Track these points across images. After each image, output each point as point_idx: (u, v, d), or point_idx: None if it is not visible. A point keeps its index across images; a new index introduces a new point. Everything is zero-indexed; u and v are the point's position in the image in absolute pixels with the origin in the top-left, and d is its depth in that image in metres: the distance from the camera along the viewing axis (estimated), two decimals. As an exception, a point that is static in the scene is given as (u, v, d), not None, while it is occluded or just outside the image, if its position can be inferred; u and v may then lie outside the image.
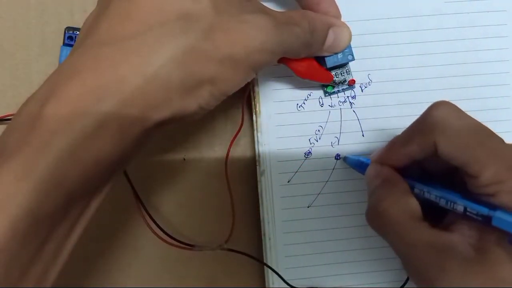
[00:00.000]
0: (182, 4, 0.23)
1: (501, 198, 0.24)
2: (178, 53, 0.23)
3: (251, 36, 0.25)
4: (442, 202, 0.26)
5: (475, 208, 0.24)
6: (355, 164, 0.33)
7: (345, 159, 0.34)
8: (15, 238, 0.20)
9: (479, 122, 0.26)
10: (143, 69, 0.22)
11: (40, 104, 0.21)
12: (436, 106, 0.26)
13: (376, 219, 0.28)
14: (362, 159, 0.32)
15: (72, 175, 0.21)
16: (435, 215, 0.27)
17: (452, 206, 0.26)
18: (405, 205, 0.27)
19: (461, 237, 0.25)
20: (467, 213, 0.25)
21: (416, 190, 0.28)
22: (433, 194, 0.27)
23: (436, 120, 0.26)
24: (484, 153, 0.24)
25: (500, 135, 0.26)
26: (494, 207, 0.24)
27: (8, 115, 0.35)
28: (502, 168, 0.24)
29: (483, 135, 0.25)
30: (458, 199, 0.25)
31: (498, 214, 0.23)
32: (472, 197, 0.25)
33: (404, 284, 0.34)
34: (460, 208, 0.25)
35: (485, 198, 0.25)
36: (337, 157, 0.35)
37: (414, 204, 0.27)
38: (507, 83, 0.35)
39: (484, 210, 0.24)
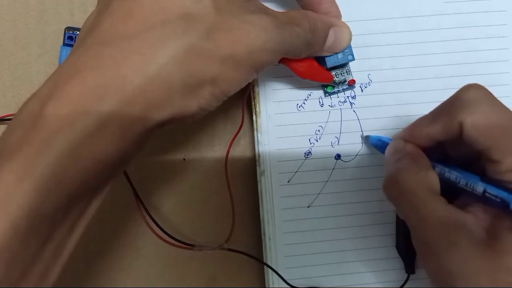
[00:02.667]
0: (183, 3, 0.23)
1: None
2: (179, 52, 0.23)
3: (252, 35, 0.25)
4: (462, 183, 0.26)
5: (494, 191, 0.25)
6: (378, 143, 0.33)
7: (367, 138, 0.34)
8: (15, 238, 0.20)
9: (509, 109, 0.26)
10: (145, 69, 0.22)
11: (41, 103, 0.21)
12: (468, 87, 0.26)
13: (393, 187, 0.28)
14: (384, 138, 0.32)
15: (73, 174, 0.21)
16: (452, 196, 0.27)
17: (471, 187, 0.26)
18: (424, 176, 0.27)
19: (475, 218, 0.26)
20: (486, 194, 0.25)
21: (436, 169, 0.28)
22: (454, 174, 0.27)
23: (466, 101, 0.26)
24: (510, 140, 0.24)
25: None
26: None
27: (8, 115, 0.35)
28: None
29: (511, 123, 0.25)
30: (478, 181, 0.26)
31: None
32: (490, 182, 0.25)
33: (404, 284, 0.34)
34: (479, 189, 0.25)
35: (504, 184, 0.25)
36: (337, 157, 0.35)
37: (433, 178, 0.27)
38: (507, 83, 0.35)
39: (504, 194, 0.24)
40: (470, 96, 0.26)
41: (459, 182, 0.26)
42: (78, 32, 0.35)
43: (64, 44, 0.35)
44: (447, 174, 0.27)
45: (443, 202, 0.26)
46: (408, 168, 0.27)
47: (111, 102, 0.22)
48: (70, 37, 0.35)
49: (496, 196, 0.24)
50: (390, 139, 0.31)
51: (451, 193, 0.27)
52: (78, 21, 0.36)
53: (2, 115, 0.35)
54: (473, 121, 0.25)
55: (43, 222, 0.21)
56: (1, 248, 0.19)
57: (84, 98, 0.21)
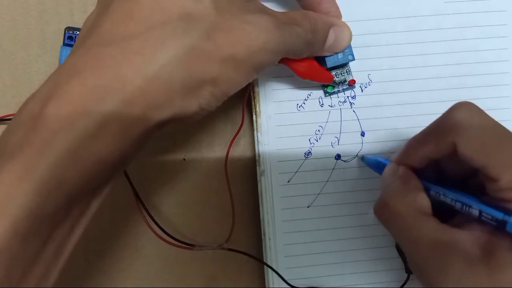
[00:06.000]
0: (183, 4, 0.23)
1: None
2: (179, 53, 0.23)
3: (253, 36, 0.24)
4: (457, 206, 0.26)
5: (490, 213, 0.24)
6: (373, 164, 0.33)
7: (362, 158, 0.34)
8: (16, 238, 0.20)
9: (501, 125, 0.26)
10: (145, 69, 0.22)
11: (41, 103, 0.21)
12: (458, 106, 0.26)
13: (383, 211, 0.28)
14: (379, 159, 0.32)
15: (73, 175, 0.21)
16: (449, 214, 0.27)
17: (467, 210, 0.25)
18: (412, 199, 0.27)
19: (470, 236, 0.25)
20: (482, 217, 0.25)
21: (432, 192, 0.27)
22: (449, 197, 0.26)
23: (457, 120, 0.26)
24: (506, 156, 0.24)
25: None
26: (510, 212, 0.23)
27: (8, 115, 0.35)
28: None
29: (506, 138, 0.25)
30: (473, 203, 0.25)
31: None
32: (488, 200, 0.25)
33: (404, 284, 0.34)
34: (475, 212, 0.25)
35: (502, 202, 0.24)
36: (337, 157, 0.35)
37: (422, 199, 0.27)
38: (507, 84, 0.35)
39: (499, 215, 0.24)
40: (461, 115, 0.26)
41: (455, 205, 0.26)
42: (78, 32, 0.35)
43: (64, 44, 0.35)
44: (442, 198, 0.27)
45: (435, 222, 0.26)
46: (397, 191, 0.27)
47: (111, 102, 0.22)
48: (70, 37, 0.35)
49: (491, 219, 0.24)
50: (387, 160, 0.31)
51: (448, 211, 0.27)
52: (78, 21, 0.36)
53: (2, 115, 0.35)
54: (466, 141, 0.25)
55: (43, 222, 0.21)
56: (1, 248, 0.19)
57: (84, 99, 0.21)
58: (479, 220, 0.25)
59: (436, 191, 0.27)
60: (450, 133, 0.25)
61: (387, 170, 0.30)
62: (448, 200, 0.26)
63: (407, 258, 0.27)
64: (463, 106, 0.26)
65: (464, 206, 0.26)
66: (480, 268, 0.24)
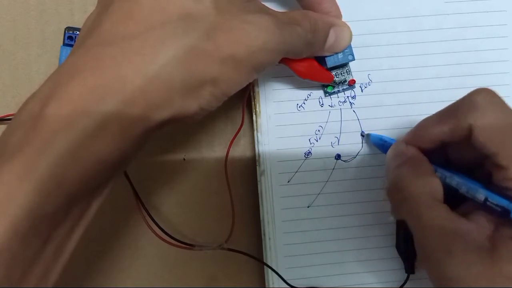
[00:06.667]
0: (183, 4, 0.23)
1: None
2: (180, 53, 0.23)
3: (253, 36, 0.24)
4: (463, 189, 0.26)
5: (495, 200, 0.25)
6: (378, 143, 0.33)
7: (367, 136, 0.34)
8: (16, 238, 0.20)
9: None
10: (145, 69, 0.22)
11: (41, 103, 0.21)
12: (480, 91, 0.26)
13: (396, 195, 0.28)
14: (385, 137, 0.32)
15: (73, 175, 0.21)
16: (456, 202, 0.27)
17: (472, 194, 0.26)
18: (427, 184, 0.27)
19: (476, 226, 0.26)
20: (487, 202, 0.25)
21: (437, 174, 0.27)
22: (455, 180, 0.26)
23: (477, 104, 0.26)
24: None
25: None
26: None
27: (8, 115, 0.35)
28: None
29: None
30: (480, 188, 0.25)
31: None
32: (494, 189, 0.25)
33: (404, 284, 0.34)
34: (480, 197, 0.25)
35: (508, 191, 0.25)
36: (337, 157, 0.35)
37: (436, 185, 0.27)
38: (507, 84, 0.35)
39: (505, 202, 0.24)
40: (481, 99, 0.26)
41: (460, 189, 0.26)
42: (78, 32, 0.35)
43: (64, 44, 0.35)
44: (448, 180, 0.27)
45: (445, 209, 0.26)
46: (410, 174, 0.27)
47: (111, 102, 0.22)
48: (70, 37, 0.35)
49: (496, 205, 0.24)
50: (392, 139, 0.31)
51: (455, 198, 0.27)
52: (78, 21, 0.36)
53: (2, 115, 0.35)
54: (483, 124, 0.25)
55: (43, 222, 0.21)
56: (1, 248, 0.19)
57: (84, 99, 0.21)
58: (483, 206, 0.25)
59: (442, 174, 0.27)
60: (468, 115, 0.26)
61: (394, 148, 0.30)
62: (453, 183, 0.26)
63: (414, 240, 0.27)
64: (484, 91, 0.26)
65: (470, 191, 0.26)
66: (485, 258, 0.24)
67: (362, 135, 0.34)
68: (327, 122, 0.35)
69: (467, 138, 0.26)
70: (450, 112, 0.28)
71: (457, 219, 0.26)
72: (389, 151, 0.30)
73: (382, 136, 0.33)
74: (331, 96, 0.35)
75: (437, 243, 0.25)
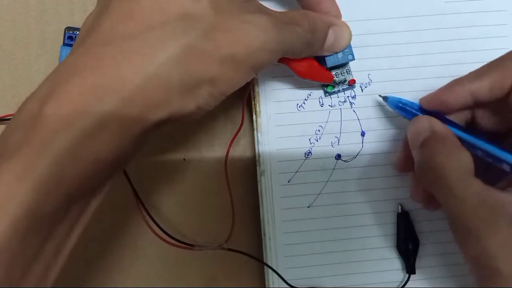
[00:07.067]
0: (183, 4, 0.24)
1: None
2: (178, 53, 0.23)
3: (252, 36, 0.25)
4: (491, 153, 0.25)
5: None
6: (397, 106, 0.32)
7: (385, 99, 0.33)
8: (15, 238, 0.20)
9: None
10: (144, 69, 0.22)
11: (40, 103, 0.21)
12: None
13: (428, 174, 0.27)
14: (405, 100, 0.31)
15: (72, 174, 0.21)
16: (483, 174, 0.27)
17: (499, 160, 0.25)
18: (458, 159, 0.26)
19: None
20: None
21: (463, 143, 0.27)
22: (483, 149, 0.26)
23: None
24: None
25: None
26: None
27: (8, 115, 0.35)
28: None
29: None
30: (507, 156, 0.25)
31: None
32: None
33: (405, 284, 0.34)
34: (507, 168, 0.25)
35: None
36: (338, 157, 0.35)
37: (467, 159, 0.26)
38: (507, 83, 0.35)
39: None
40: None
41: (486, 157, 0.25)
42: (78, 32, 0.35)
43: (64, 44, 0.35)
44: (475, 151, 0.26)
45: (481, 183, 0.25)
46: (440, 151, 0.27)
47: (111, 102, 0.22)
48: (70, 37, 0.35)
49: None
50: (413, 103, 0.30)
51: (484, 175, 0.26)
52: (78, 21, 0.36)
53: (2, 115, 0.35)
54: None
55: (43, 221, 0.21)
56: (1, 248, 0.19)
57: (84, 98, 0.21)
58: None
59: (468, 140, 0.26)
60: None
61: (416, 123, 0.29)
62: (479, 153, 0.26)
63: (449, 219, 0.26)
64: None
65: (497, 157, 0.25)
66: None
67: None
68: (327, 122, 0.35)
69: (507, 96, 0.24)
70: (493, 66, 0.26)
71: (494, 191, 0.25)
72: (411, 126, 0.29)
73: (401, 98, 0.32)
74: (331, 96, 0.35)
75: (478, 217, 0.24)
